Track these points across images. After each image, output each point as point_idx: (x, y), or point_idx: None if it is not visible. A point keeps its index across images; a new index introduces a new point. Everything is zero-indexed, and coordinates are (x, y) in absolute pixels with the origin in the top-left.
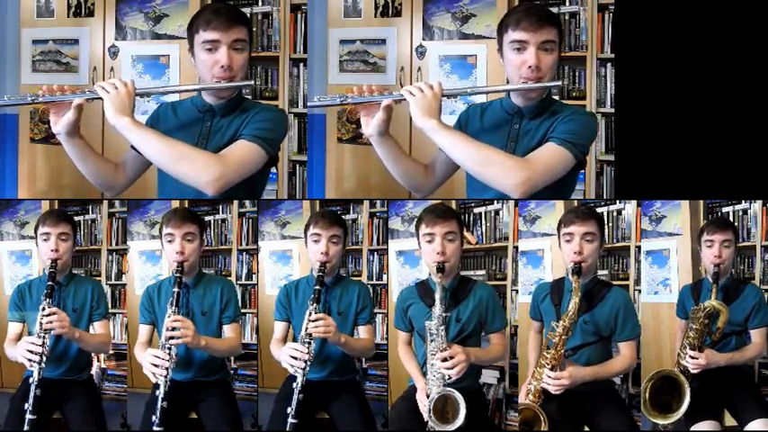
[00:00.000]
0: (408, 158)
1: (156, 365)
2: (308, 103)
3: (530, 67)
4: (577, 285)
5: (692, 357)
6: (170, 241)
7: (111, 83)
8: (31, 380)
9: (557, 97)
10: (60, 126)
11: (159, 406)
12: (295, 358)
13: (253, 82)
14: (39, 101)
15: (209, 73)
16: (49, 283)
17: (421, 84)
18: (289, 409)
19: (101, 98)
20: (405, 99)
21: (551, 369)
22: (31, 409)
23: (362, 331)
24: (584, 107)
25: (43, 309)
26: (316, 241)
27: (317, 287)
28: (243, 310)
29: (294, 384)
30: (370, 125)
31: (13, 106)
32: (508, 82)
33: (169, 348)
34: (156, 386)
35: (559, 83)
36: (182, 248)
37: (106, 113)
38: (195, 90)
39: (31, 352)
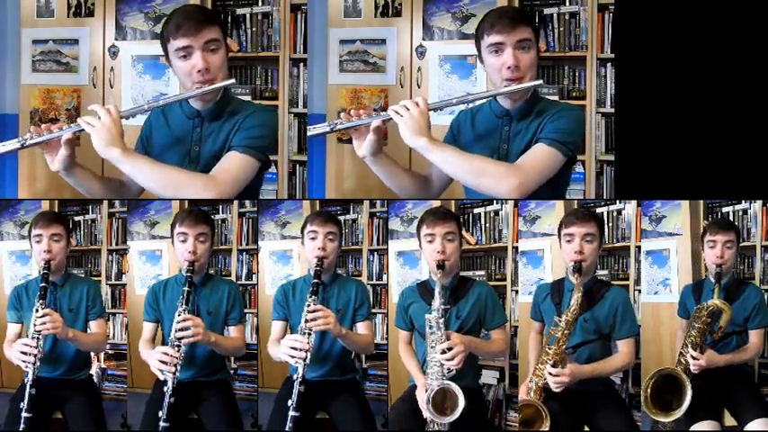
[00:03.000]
0: (405, 173)
1: (165, 363)
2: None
3: (509, 67)
4: (578, 282)
5: (693, 358)
6: (183, 241)
7: (93, 114)
8: (25, 379)
9: (556, 97)
10: (57, 164)
11: (167, 402)
12: (295, 349)
13: (234, 80)
14: (28, 143)
15: (188, 79)
16: (43, 284)
17: (406, 102)
18: (289, 401)
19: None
20: (392, 119)
21: (553, 365)
22: (26, 407)
23: (361, 327)
24: (584, 107)
25: (36, 310)
26: (313, 239)
27: (315, 280)
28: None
29: (295, 376)
30: (362, 147)
31: (4, 154)
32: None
33: (178, 346)
34: (164, 383)
35: (540, 81)
36: (194, 248)
37: (95, 147)
38: (180, 99)
39: (24, 353)
